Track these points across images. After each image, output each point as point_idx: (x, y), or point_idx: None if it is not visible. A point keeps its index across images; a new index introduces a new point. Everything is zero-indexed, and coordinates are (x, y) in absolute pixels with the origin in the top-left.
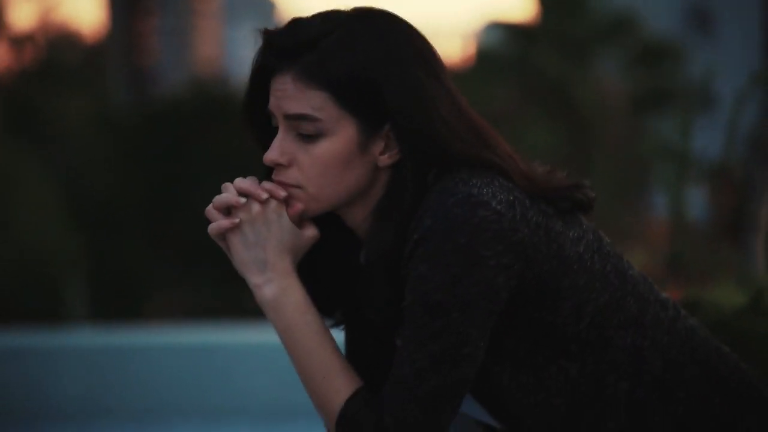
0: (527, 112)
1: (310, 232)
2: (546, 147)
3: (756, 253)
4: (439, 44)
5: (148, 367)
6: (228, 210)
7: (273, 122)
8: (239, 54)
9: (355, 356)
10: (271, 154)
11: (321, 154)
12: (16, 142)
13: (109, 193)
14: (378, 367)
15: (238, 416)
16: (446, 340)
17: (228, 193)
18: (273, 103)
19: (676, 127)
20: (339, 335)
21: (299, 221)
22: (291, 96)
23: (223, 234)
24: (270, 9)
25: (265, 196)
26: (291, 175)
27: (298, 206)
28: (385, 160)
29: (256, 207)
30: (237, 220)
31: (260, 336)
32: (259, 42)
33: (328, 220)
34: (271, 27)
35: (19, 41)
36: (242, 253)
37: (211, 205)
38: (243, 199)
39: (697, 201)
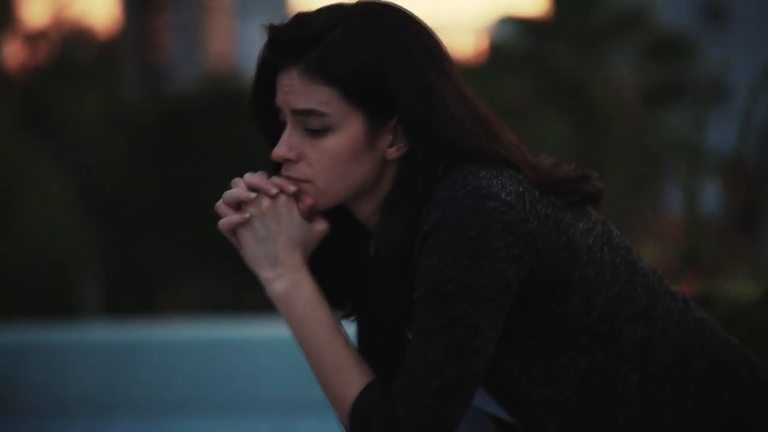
0: (540, 107)
1: (320, 226)
2: (559, 141)
3: None
4: (452, 39)
5: (161, 362)
6: (238, 205)
7: (280, 117)
8: (251, 50)
9: (367, 349)
10: (280, 150)
11: (329, 149)
12: (29, 139)
13: (122, 189)
14: (390, 360)
15: (251, 410)
16: (457, 332)
17: (238, 189)
18: (280, 99)
19: (690, 120)
20: (351, 328)
21: (309, 215)
22: (297, 91)
23: (234, 229)
24: (282, 4)
25: (275, 190)
26: (300, 170)
27: (308, 201)
28: (392, 153)
29: (266, 202)
30: (247, 215)
31: (272, 330)
32: (266, 37)
33: (338, 214)
34: (282, 23)
35: (33, 38)
36: (253, 248)
37: (221, 200)
38: (253, 194)
39: (710, 194)
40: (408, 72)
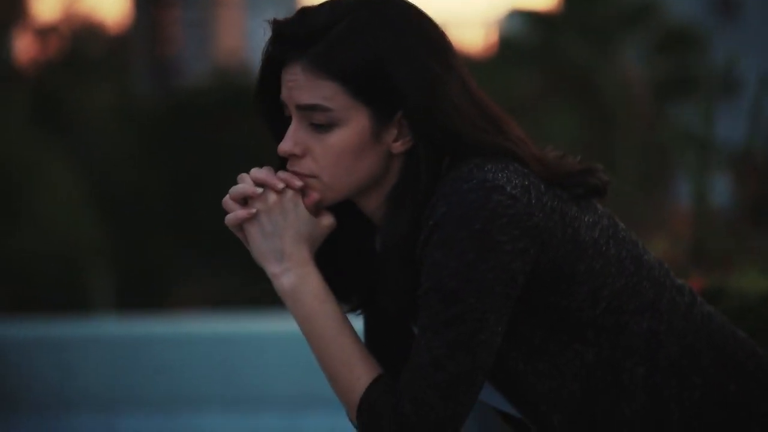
0: (549, 101)
1: (327, 220)
2: (568, 135)
3: None
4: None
5: (170, 358)
6: (245, 200)
7: (285, 112)
8: (261, 45)
9: (374, 344)
10: (285, 145)
11: (334, 144)
12: (40, 133)
13: (133, 184)
14: (397, 354)
15: (260, 406)
16: (463, 326)
17: (244, 184)
18: (285, 94)
19: (699, 114)
20: (358, 322)
21: (315, 210)
22: (302, 86)
23: (241, 224)
24: None
25: (281, 185)
26: (305, 165)
27: (314, 195)
28: (398, 147)
29: (272, 197)
30: (254, 211)
31: (282, 325)
32: (270, 32)
33: (345, 208)
34: (286, 17)
35: (44, 33)
36: (260, 243)
37: (227, 195)
38: (259, 189)
39: (720, 188)
40: (412, 65)
